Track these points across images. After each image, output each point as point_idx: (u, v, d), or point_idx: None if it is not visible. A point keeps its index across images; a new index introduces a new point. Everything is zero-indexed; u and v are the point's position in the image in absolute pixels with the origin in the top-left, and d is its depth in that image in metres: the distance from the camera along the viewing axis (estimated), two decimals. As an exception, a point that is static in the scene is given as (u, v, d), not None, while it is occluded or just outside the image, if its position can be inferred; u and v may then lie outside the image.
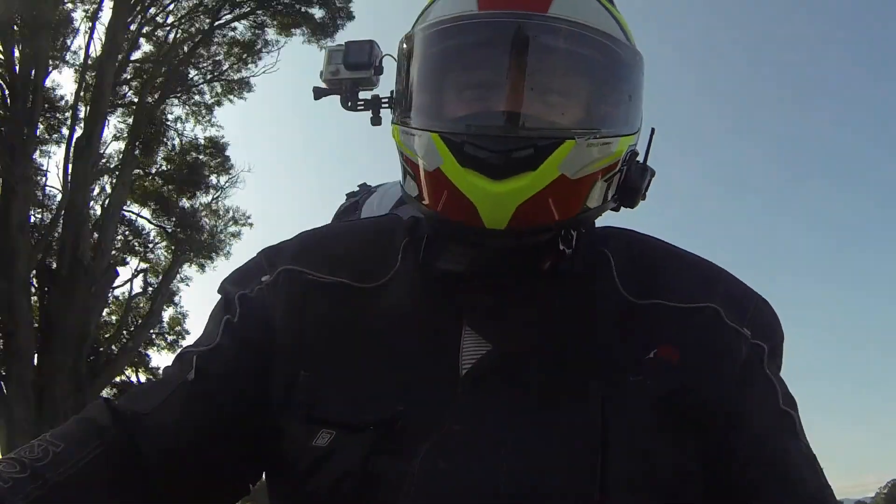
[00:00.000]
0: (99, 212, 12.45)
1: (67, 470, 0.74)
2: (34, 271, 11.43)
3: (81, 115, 12.13)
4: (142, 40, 13.54)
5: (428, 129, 0.84)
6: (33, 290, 11.46)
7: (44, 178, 12.62)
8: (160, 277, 14.11)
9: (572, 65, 0.85)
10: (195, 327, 15.38)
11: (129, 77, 13.64)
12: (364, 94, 1.09)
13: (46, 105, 12.63)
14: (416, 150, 0.86)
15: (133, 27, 12.95)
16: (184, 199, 14.45)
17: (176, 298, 15.47)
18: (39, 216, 12.44)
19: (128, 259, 14.20)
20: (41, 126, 12.54)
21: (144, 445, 0.79)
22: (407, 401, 0.79)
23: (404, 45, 0.91)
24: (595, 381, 0.79)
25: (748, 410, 0.81)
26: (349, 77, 1.08)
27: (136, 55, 13.63)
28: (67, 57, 13.05)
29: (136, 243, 14.41)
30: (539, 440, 0.76)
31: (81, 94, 12.41)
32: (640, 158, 0.94)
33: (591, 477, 0.74)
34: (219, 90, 14.52)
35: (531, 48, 0.83)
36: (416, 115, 0.88)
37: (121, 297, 14.21)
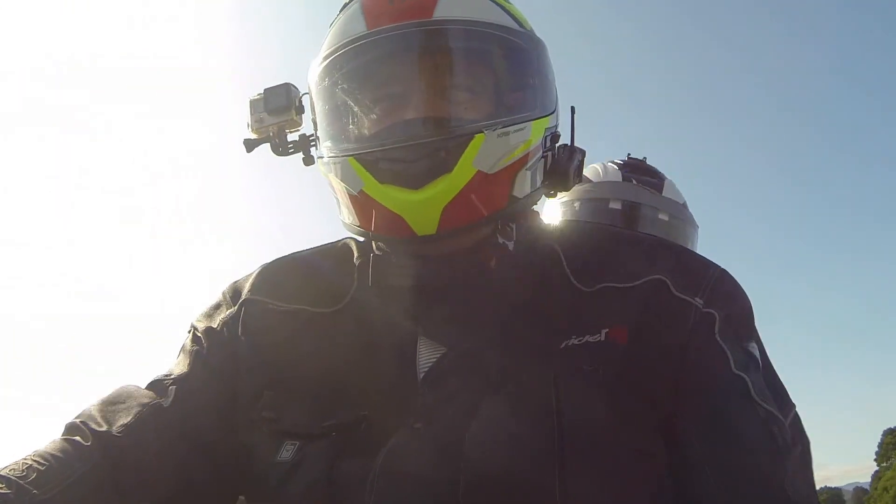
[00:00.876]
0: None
1: (53, 488, 0.75)
2: None
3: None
4: None
5: (343, 155, 0.86)
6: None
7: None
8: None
9: (466, 61, 0.86)
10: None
11: None
12: (293, 137, 1.09)
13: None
14: (339, 178, 0.88)
15: None
16: None
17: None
18: None
19: None
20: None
21: (125, 467, 0.80)
22: (369, 406, 0.82)
23: (308, 79, 0.93)
24: (549, 369, 0.79)
25: (694, 381, 0.80)
26: (274, 122, 1.08)
27: None
28: None
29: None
30: (496, 431, 0.76)
31: None
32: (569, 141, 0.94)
33: (550, 463, 0.74)
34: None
35: (423, 54, 0.85)
36: (330, 144, 0.90)
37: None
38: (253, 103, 1.10)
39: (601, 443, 0.76)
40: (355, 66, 0.87)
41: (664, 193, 1.70)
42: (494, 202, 0.84)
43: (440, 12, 0.84)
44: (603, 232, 0.99)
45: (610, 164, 1.77)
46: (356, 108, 0.87)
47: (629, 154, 1.81)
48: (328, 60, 0.89)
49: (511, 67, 0.88)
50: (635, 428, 0.78)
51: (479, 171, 0.81)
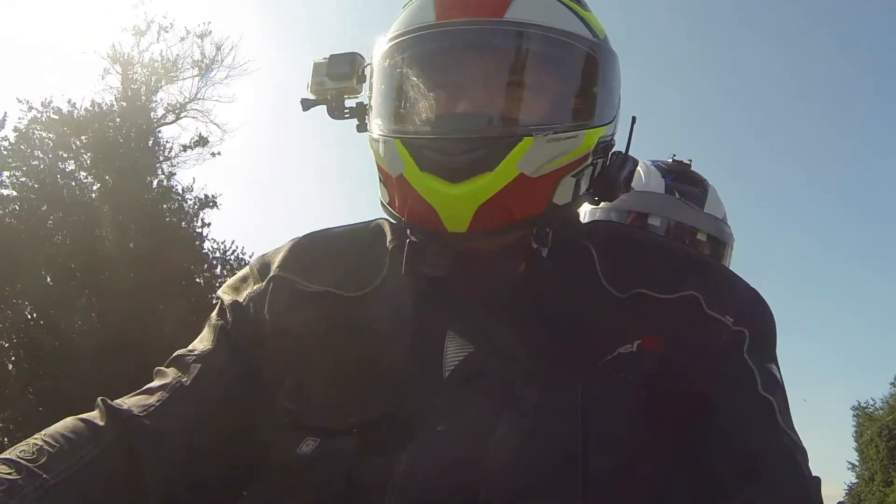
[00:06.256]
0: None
1: (64, 471, 0.74)
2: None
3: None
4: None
5: (390, 135, 0.88)
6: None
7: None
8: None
9: (526, 64, 0.86)
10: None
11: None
12: (350, 103, 1.14)
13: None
14: (383, 157, 0.89)
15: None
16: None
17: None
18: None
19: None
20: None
21: (140, 448, 0.79)
22: (391, 404, 0.80)
23: (372, 55, 0.95)
24: (576, 376, 0.79)
25: (721, 399, 0.80)
26: (334, 87, 1.12)
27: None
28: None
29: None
30: (520, 439, 0.76)
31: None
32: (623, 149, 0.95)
33: (573, 473, 0.74)
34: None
35: (485, 54, 0.86)
36: (380, 122, 0.91)
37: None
38: (316, 66, 1.15)
39: (627, 458, 0.75)
40: (417, 53, 0.88)
41: (706, 209, 1.65)
42: (531, 207, 0.84)
43: (512, 13, 0.84)
44: (637, 236, 0.99)
45: (653, 167, 1.70)
46: (411, 94, 0.88)
47: (674, 156, 1.74)
48: (393, 43, 0.90)
49: (573, 75, 0.88)
50: (660, 439, 0.78)
51: (521, 174, 0.81)
